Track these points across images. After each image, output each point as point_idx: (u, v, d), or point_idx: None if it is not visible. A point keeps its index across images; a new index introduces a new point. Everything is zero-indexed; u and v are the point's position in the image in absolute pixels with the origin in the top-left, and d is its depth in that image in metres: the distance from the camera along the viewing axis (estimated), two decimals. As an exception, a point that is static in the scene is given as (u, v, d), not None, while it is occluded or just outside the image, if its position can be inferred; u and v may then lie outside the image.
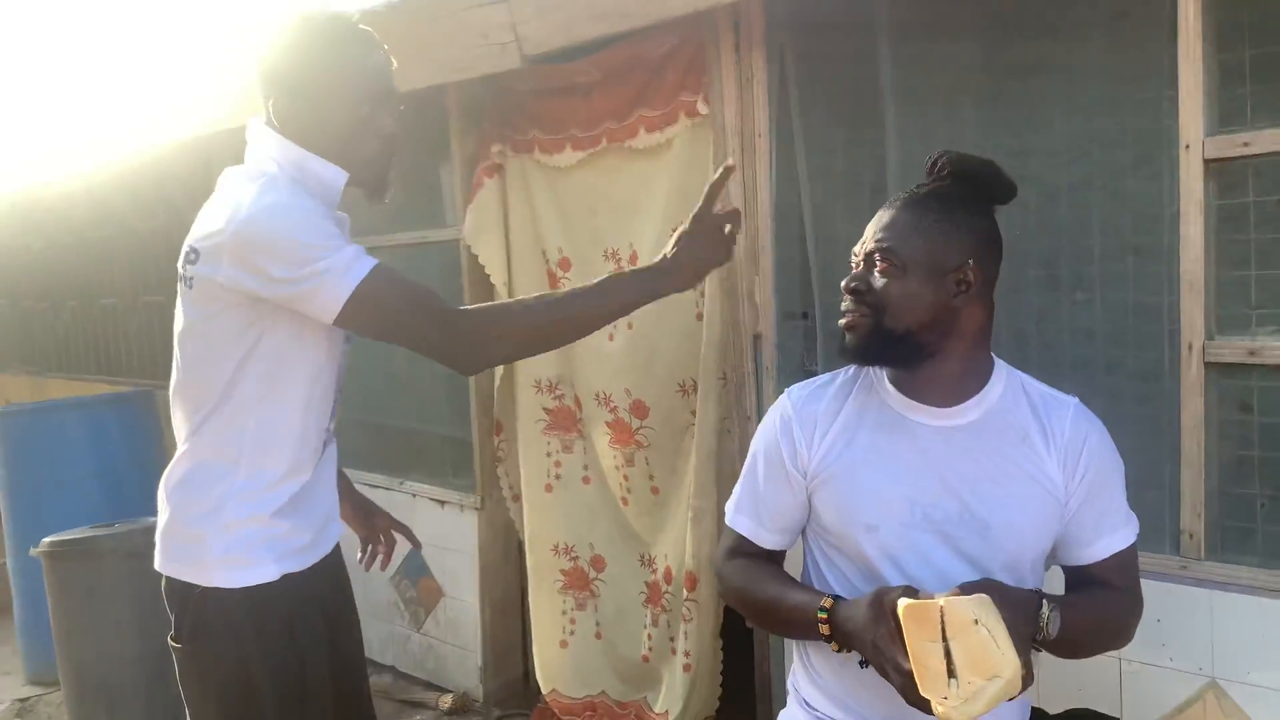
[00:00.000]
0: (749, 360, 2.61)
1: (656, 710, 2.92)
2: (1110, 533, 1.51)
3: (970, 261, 1.46)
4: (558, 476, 3.17)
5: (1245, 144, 1.80)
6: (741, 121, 2.51)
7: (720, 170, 1.61)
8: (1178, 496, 1.94)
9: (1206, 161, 1.84)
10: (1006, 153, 2.10)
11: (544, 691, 3.17)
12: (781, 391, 2.48)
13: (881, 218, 1.50)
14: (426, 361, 1.71)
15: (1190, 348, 1.89)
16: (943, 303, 1.45)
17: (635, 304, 1.65)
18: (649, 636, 2.96)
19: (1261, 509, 1.87)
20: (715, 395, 2.69)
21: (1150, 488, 1.96)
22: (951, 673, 1.23)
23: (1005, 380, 1.54)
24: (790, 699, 1.64)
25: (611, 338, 2.92)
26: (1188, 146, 1.85)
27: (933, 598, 1.29)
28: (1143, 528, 1.97)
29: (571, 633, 3.16)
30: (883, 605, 1.33)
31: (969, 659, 1.22)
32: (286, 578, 1.57)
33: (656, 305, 2.76)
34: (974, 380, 1.51)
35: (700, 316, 2.71)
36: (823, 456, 1.53)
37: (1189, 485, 1.92)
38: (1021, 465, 1.48)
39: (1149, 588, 1.91)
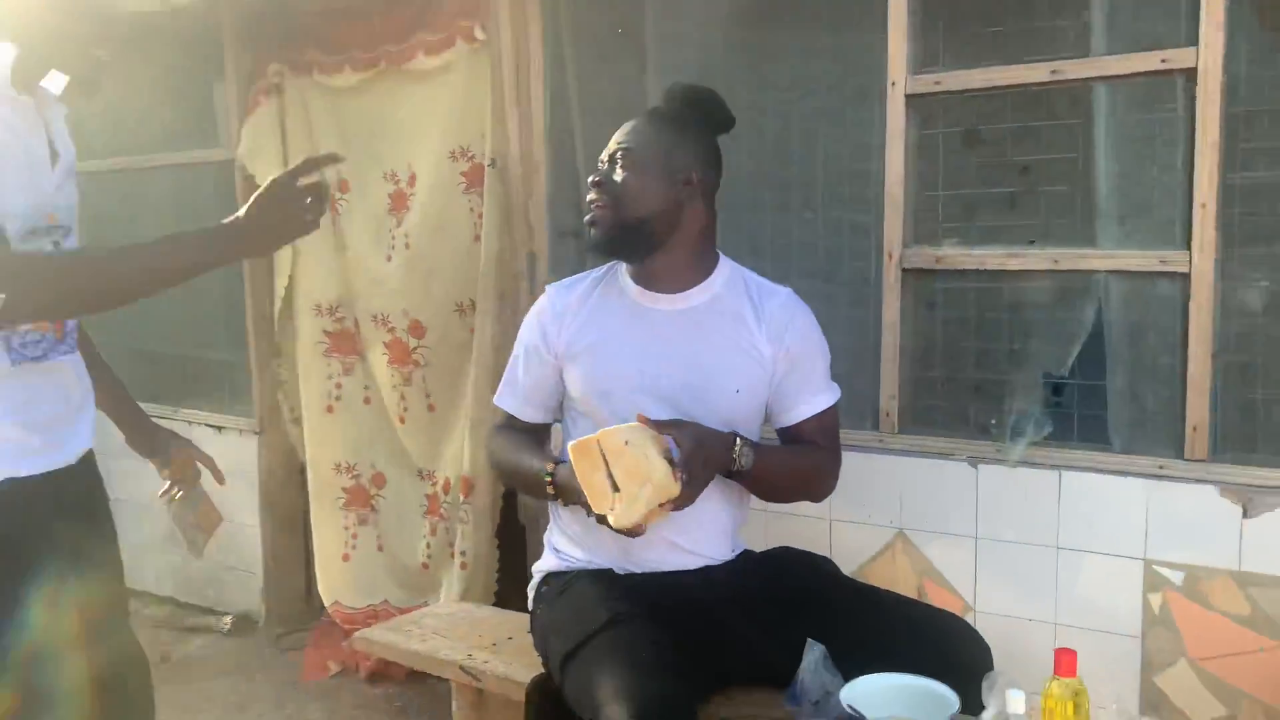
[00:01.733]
0: (525, 278, 2.79)
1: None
2: (811, 397, 1.79)
3: (695, 169, 1.72)
4: (338, 398, 3.24)
5: (937, 83, 2.17)
6: (518, 49, 2.68)
7: (325, 154, 1.49)
8: (878, 383, 2.32)
9: (908, 97, 2.20)
10: (749, 88, 2.41)
11: (326, 605, 3.26)
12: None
13: (625, 127, 1.75)
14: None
15: (890, 256, 2.26)
16: (671, 197, 1.70)
17: (198, 267, 1.45)
18: (428, 545, 3.11)
19: (941, 389, 2.27)
20: (493, 313, 2.86)
21: (858, 376, 2.32)
22: (616, 489, 1.51)
23: (729, 273, 1.80)
24: (545, 550, 1.88)
25: (389, 259, 3.03)
26: (893, 84, 2.21)
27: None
28: (849, 410, 2.34)
29: (354, 547, 3.25)
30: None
31: (625, 474, 1.50)
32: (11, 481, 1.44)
33: (431, 226, 2.97)
34: (700, 272, 1.77)
35: (478, 239, 2.87)
36: (571, 337, 1.76)
37: (887, 373, 2.30)
38: (736, 341, 1.75)
39: (854, 459, 2.29)
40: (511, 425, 1.88)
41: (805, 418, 1.78)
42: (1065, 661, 1.38)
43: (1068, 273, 2.09)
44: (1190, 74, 1.92)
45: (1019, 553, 2.16)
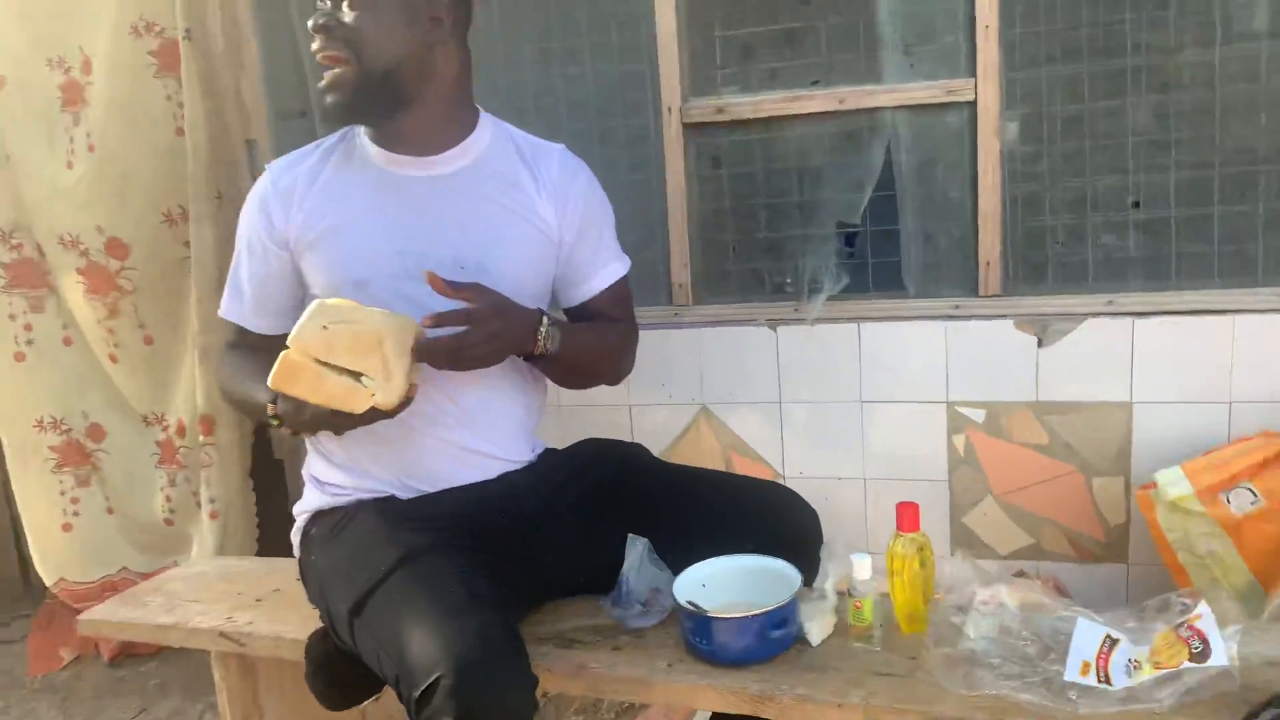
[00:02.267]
0: (245, 170, 2.38)
1: (191, 571, 2.69)
2: (604, 266, 1.57)
3: (442, 3, 1.41)
4: (29, 342, 2.68)
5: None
6: (200, -113, 2.21)
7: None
8: (668, 252, 2.13)
9: (671, -74, 1.97)
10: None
11: (49, 584, 2.76)
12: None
13: None
14: None
15: (669, 110, 2.06)
16: (418, 40, 1.38)
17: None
18: (168, 499, 2.68)
19: (734, 253, 2.13)
20: (210, 217, 2.42)
21: (646, 246, 2.14)
22: (357, 376, 1.22)
23: (492, 130, 1.52)
24: (306, 488, 1.56)
25: (71, 166, 2.50)
26: (653, -88, 1.97)
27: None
28: (641, 284, 2.14)
29: (75, 514, 2.76)
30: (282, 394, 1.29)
31: (352, 355, 1.21)
32: None
33: (120, 121, 2.46)
34: (458, 129, 1.48)
35: (181, 131, 2.41)
36: (304, 221, 1.42)
37: (676, 240, 2.12)
38: (513, 209, 1.48)
39: (650, 337, 2.12)
40: (243, 341, 1.52)
41: (599, 291, 1.56)
42: (908, 516, 1.27)
43: (854, 113, 1.98)
44: (963, -116, 1.81)
45: (824, 412, 2.08)
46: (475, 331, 1.28)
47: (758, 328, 2.09)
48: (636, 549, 1.38)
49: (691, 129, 2.07)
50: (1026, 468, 1.98)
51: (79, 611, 2.68)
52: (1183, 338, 1.85)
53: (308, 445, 1.56)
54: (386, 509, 1.41)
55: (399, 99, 1.39)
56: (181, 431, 2.61)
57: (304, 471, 1.57)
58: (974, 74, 1.88)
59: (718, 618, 1.23)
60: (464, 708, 1.07)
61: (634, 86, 2.09)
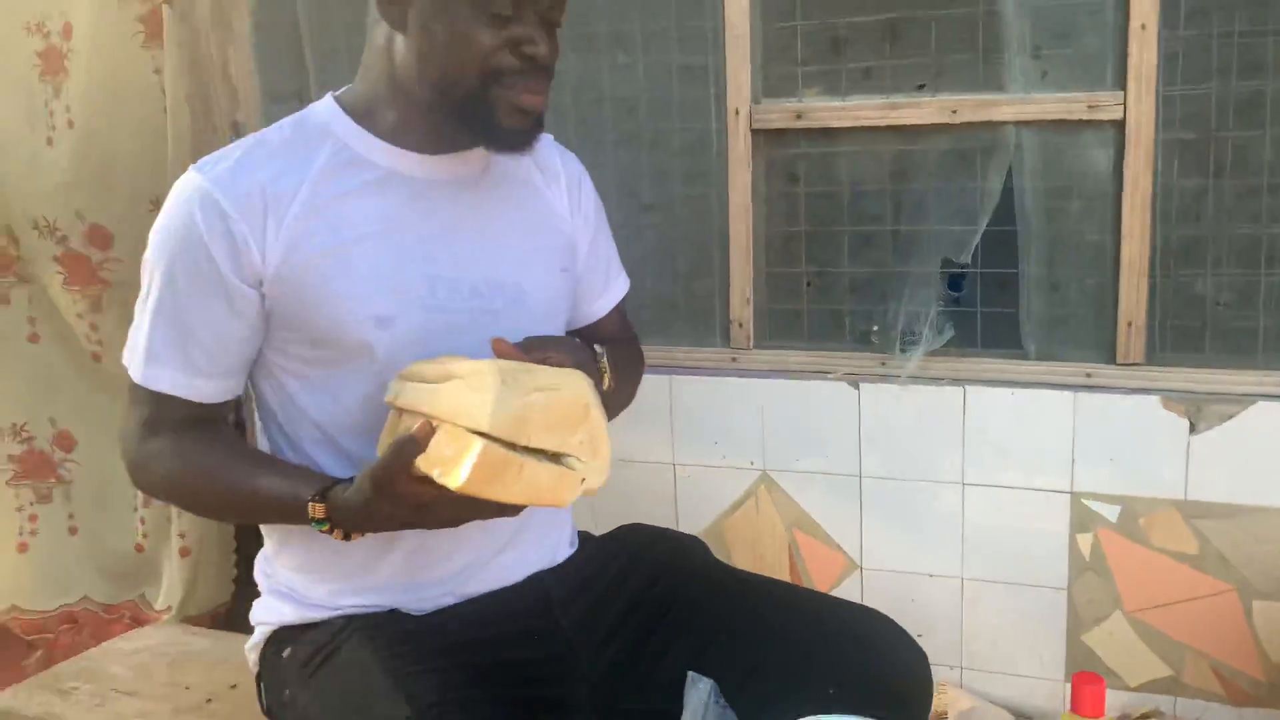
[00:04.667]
0: (235, 158, 2.17)
1: (158, 606, 2.51)
2: (615, 280, 1.41)
3: None
4: (-10, 338, 2.53)
5: None
6: None
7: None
8: (727, 284, 1.88)
9: (749, -108, 1.70)
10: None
11: (-4, 611, 2.61)
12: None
13: None
14: None
15: (736, 113, 1.81)
16: None
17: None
18: (142, 521, 2.50)
19: (808, 289, 1.86)
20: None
21: (700, 276, 1.89)
22: (555, 459, 1.00)
23: None
24: (267, 592, 1.30)
25: (50, 142, 2.32)
26: (729, -128, 1.70)
27: (427, 429, 1.01)
28: (693, 321, 1.93)
29: (33, 533, 2.60)
30: (390, 491, 1.03)
31: (553, 435, 0.99)
32: None
33: (103, 95, 2.26)
34: None
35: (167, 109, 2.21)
36: (292, 244, 1.14)
37: (738, 270, 1.87)
38: (533, 213, 1.28)
39: (700, 385, 1.88)
40: (168, 416, 1.19)
41: (611, 309, 1.40)
42: (1090, 698, 0.99)
43: (968, 126, 1.70)
44: None
45: (914, 492, 1.81)
46: None
47: (835, 383, 1.82)
48: (700, 692, 1.13)
49: (763, 136, 1.82)
50: (1169, 581, 1.69)
51: (32, 646, 2.54)
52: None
53: (269, 539, 1.30)
54: (385, 634, 1.14)
55: None
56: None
57: (261, 568, 1.32)
58: (1123, 86, 1.60)
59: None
60: None
61: (695, 83, 1.84)
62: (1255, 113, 1.57)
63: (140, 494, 2.48)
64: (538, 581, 1.26)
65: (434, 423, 0.97)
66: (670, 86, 1.86)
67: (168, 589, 2.49)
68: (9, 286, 2.48)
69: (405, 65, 1.16)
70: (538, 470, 0.96)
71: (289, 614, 1.24)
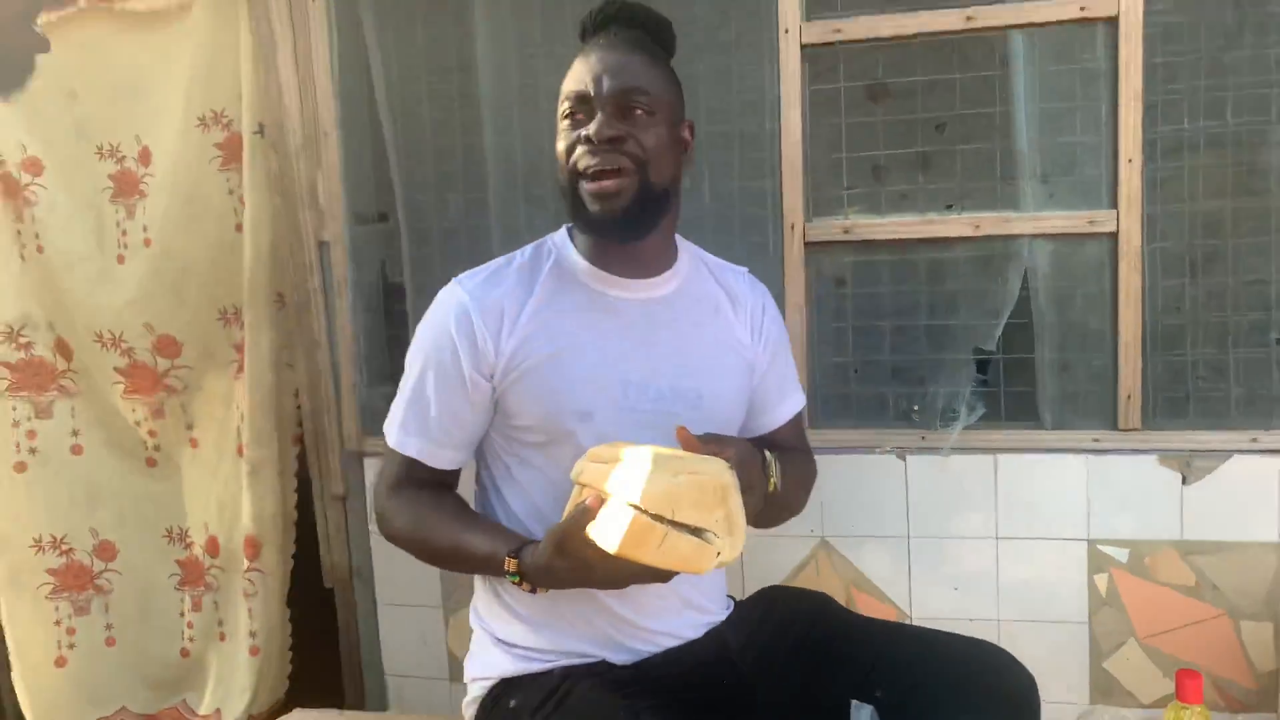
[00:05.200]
0: (314, 274, 2.36)
1: (202, 711, 2.56)
2: (792, 393, 1.65)
3: (686, 118, 1.47)
4: (33, 450, 2.58)
5: (837, 30, 2.04)
6: (289, -20, 2.26)
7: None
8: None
9: (803, 46, 2.06)
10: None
11: (33, 728, 2.60)
12: (359, 308, 2.31)
13: (603, 59, 1.39)
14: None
15: (792, 228, 2.12)
16: (677, 161, 1.45)
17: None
18: (189, 625, 2.57)
19: (855, 375, 2.17)
20: (268, 321, 2.40)
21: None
22: (696, 533, 1.17)
23: (689, 251, 1.58)
24: (482, 649, 1.52)
25: (122, 260, 2.47)
26: (787, 31, 2.06)
27: (598, 501, 1.20)
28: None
29: (71, 645, 2.61)
30: (566, 550, 1.24)
31: (697, 512, 1.16)
32: None
33: (183, 216, 2.43)
34: (670, 251, 1.53)
35: (240, 228, 2.40)
36: (518, 348, 1.40)
37: (796, 361, 2.15)
38: (718, 334, 1.54)
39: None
40: (410, 477, 1.47)
41: (784, 421, 1.63)
42: (1192, 687, 1.30)
43: (990, 238, 2.06)
44: (1111, 22, 1.94)
45: (956, 549, 2.10)
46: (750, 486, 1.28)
47: (884, 456, 2.12)
48: (862, 716, 1.36)
49: (814, 247, 2.13)
50: (1172, 610, 2.02)
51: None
52: (1331, 477, 1.93)
53: (483, 599, 1.52)
54: (609, 678, 1.37)
55: (658, 219, 1.43)
56: (213, 550, 2.52)
57: (479, 629, 1.53)
58: (1116, 206, 1.98)
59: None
60: None
61: (755, 203, 2.15)
62: (1219, 227, 1.98)
63: (188, 597, 2.57)
64: (716, 634, 1.50)
65: (604, 496, 1.19)
66: (733, 207, 2.16)
67: (215, 690, 2.55)
68: (51, 400, 2.56)
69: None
70: (679, 541, 1.15)
71: (508, 667, 1.45)
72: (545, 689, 1.38)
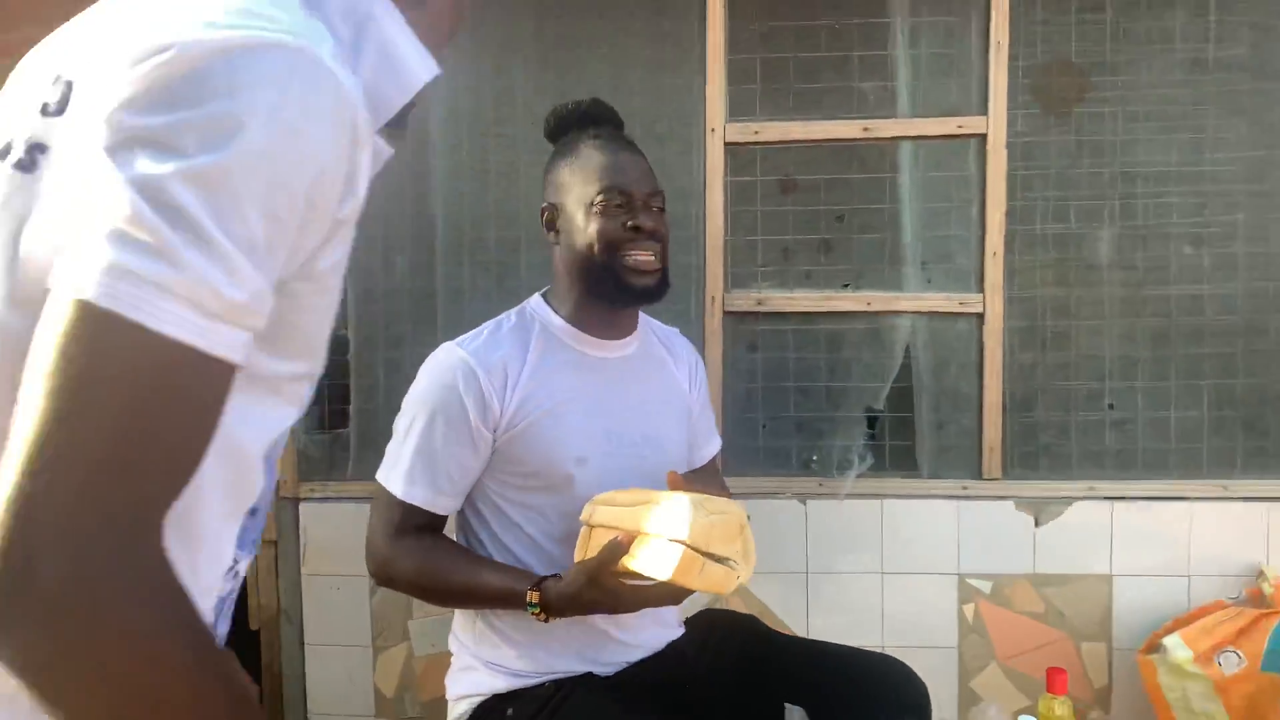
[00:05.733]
0: (260, 324, 2.51)
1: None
2: (714, 436, 1.96)
3: None
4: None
5: (756, 132, 2.39)
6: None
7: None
8: (703, 426, 2.46)
9: (726, 144, 2.39)
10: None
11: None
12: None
13: (634, 161, 1.67)
14: None
15: (712, 300, 2.43)
16: None
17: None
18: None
19: (765, 429, 2.48)
20: None
21: (683, 421, 2.45)
22: (722, 561, 1.40)
23: (641, 316, 1.85)
24: (465, 670, 1.69)
25: None
26: (713, 130, 2.39)
27: (629, 538, 1.43)
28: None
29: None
30: (600, 581, 1.46)
31: (723, 544, 1.40)
32: None
33: None
34: (635, 316, 1.80)
35: None
36: (521, 404, 1.61)
37: (715, 415, 2.45)
38: (667, 385, 1.81)
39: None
40: (410, 523, 1.62)
41: (710, 458, 1.93)
42: (1059, 680, 1.64)
43: (879, 314, 2.42)
44: (981, 139, 2.36)
45: (848, 582, 2.42)
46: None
47: (787, 500, 2.42)
48: (795, 716, 1.64)
49: (731, 316, 2.44)
50: (1026, 635, 2.39)
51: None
52: (1150, 520, 2.35)
53: (468, 627, 1.68)
54: (594, 688, 1.59)
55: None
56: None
57: (464, 654, 1.70)
58: (982, 290, 2.38)
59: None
60: None
61: (681, 276, 2.44)
62: (1064, 310, 2.40)
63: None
64: (675, 648, 1.75)
65: (637, 534, 1.43)
66: (660, 278, 2.46)
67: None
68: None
69: (562, 263, 1.71)
70: (713, 569, 1.39)
71: (500, 684, 1.64)
72: (540, 699, 1.58)
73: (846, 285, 2.44)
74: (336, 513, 2.51)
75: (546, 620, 1.54)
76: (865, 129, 2.38)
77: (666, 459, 1.71)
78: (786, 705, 1.66)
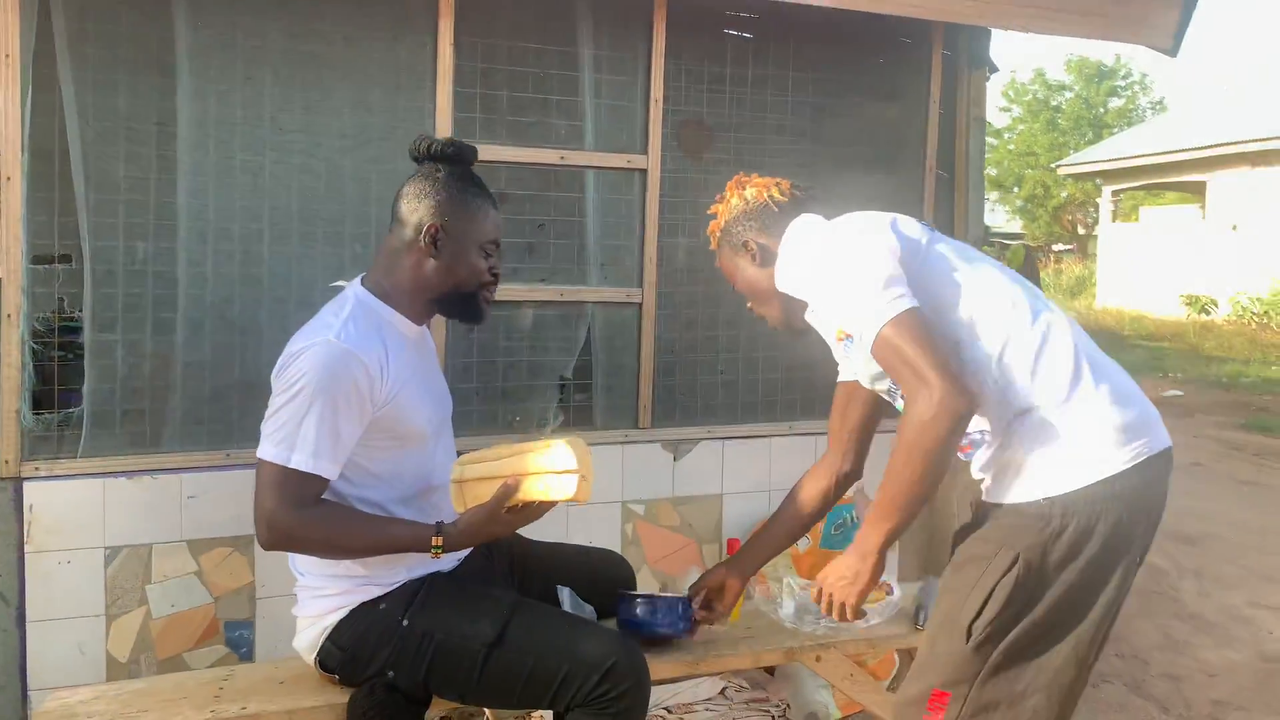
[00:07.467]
0: (-14, 313, 2.52)
1: None
2: None
3: None
4: None
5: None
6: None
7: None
8: (430, 396, 2.96)
9: (454, 160, 2.89)
10: (302, 131, 2.76)
11: None
12: (34, 341, 2.54)
13: (498, 218, 2.19)
14: None
15: (439, 289, 2.93)
16: None
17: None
18: None
19: (477, 397, 3.05)
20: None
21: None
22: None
23: None
24: (317, 595, 2.08)
25: None
26: (444, 148, 2.88)
27: (516, 481, 1.94)
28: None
29: None
30: (497, 518, 1.95)
31: (589, 469, 1.95)
32: None
33: None
34: None
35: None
36: (392, 383, 2.01)
37: (436, 387, 2.97)
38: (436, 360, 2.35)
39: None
40: (308, 493, 1.93)
41: None
42: (735, 547, 2.48)
43: (569, 303, 3.10)
44: (644, 172, 3.13)
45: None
46: None
47: (498, 454, 3.03)
48: (565, 595, 2.28)
49: (452, 304, 2.96)
50: (667, 542, 3.26)
51: None
52: (746, 452, 3.34)
53: (317, 571, 2.06)
54: (448, 577, 2.11)
55: None
56: None
57: (316, 581, 2.07)
58: (642, 286, 3.17)
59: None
60: (636, 675, 1.96)
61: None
62: (695, 303, 3.28)
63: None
64: (473, 555, 2.30)
65: (519, 476, 1.98)
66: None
67: None
68: None
69: (433, 275, 2.18)
70: (588, 486, 1.97)
71: (350, 597, 2.05)
72: (409, 591, 2.04)
73: (544, 280, 3.09)
74: (67, 489, 2.61)
75: (438, 557, 2.02)
76: (561, 157, 3.03)
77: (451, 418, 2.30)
78: (558, 587, 2.30)
